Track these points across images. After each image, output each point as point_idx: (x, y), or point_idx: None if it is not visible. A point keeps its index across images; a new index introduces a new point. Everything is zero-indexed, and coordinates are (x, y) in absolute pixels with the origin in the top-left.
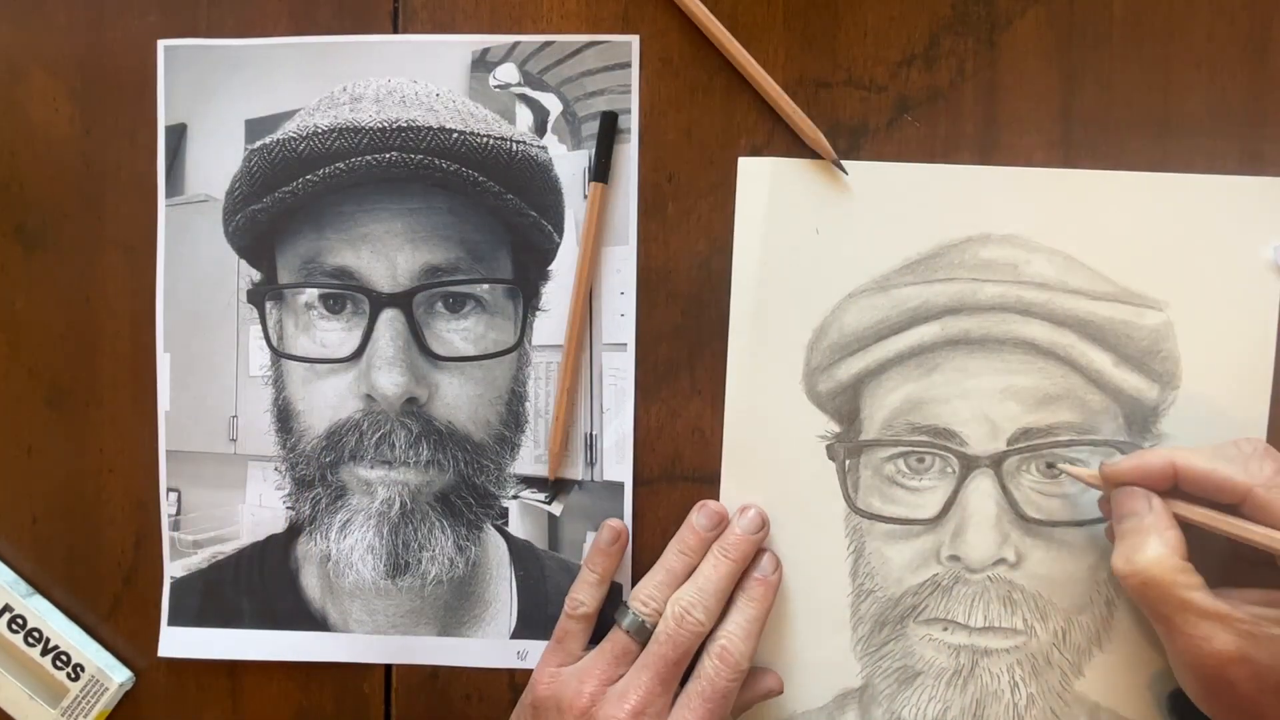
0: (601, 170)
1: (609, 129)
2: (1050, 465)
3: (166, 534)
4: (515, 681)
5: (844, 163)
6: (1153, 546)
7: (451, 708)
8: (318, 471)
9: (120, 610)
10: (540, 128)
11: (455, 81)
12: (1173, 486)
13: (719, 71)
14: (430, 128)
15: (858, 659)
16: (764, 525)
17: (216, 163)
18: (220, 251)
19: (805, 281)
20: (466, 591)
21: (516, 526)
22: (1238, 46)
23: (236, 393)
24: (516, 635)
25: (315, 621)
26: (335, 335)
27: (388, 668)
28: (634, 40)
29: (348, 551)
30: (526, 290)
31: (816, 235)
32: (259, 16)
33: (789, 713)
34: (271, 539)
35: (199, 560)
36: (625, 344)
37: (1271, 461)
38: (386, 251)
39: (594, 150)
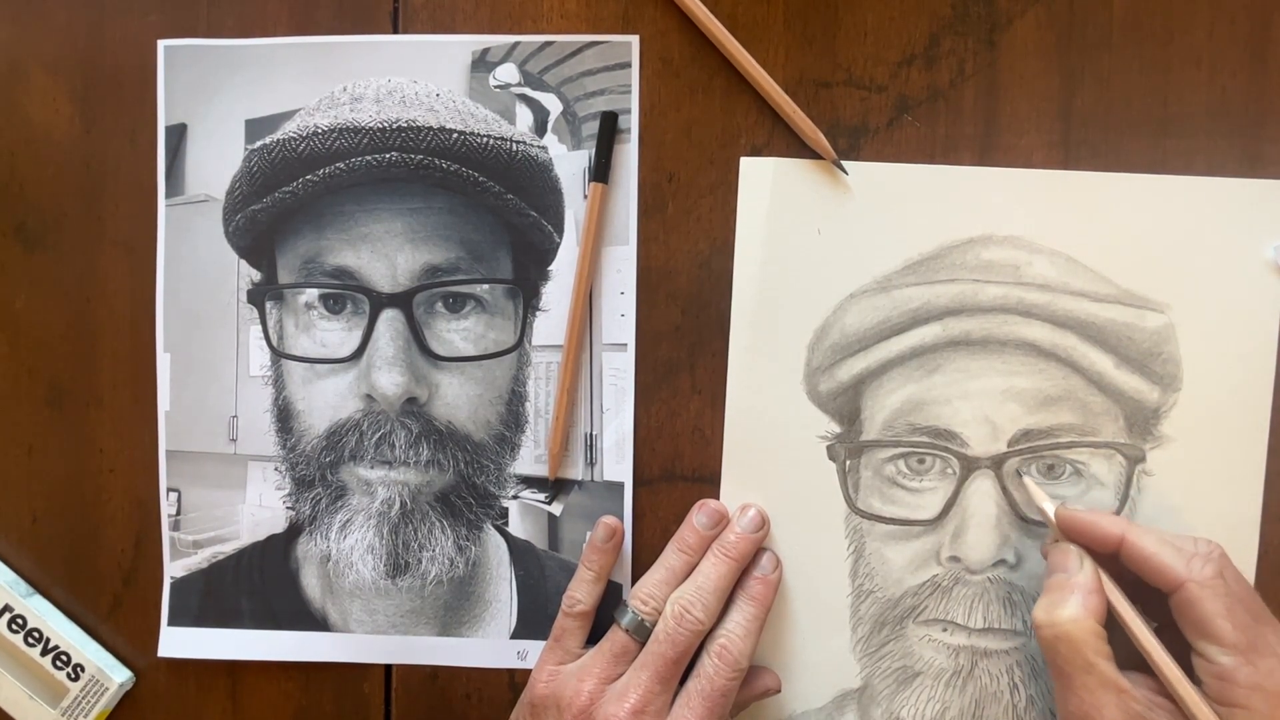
0: (601, 170)
1: (609, 129)
2: (1051, 467)
3: (166, 534)
4: (515, 681)
5: (845, 163)
6: (1075, 605)
7: (451, 708)
8: (318, 471)
9: (120, 610)
10: (540, 128)
11: (455, 81)
12: (1114, 555)
13: (719, 71)
14: (430, 128)
15: (857, 659)
16: (764, 525)
17: (216, 163)
18: (220, 251)
19: (806, 281)
20: (466, 591)
21: (516, 526)
22: (1238, 46)
23: (236, 393)
24: (516, 635)
25: (315, 621)
26: (335, 335)
27: (388, 668)
28: (634, 40)
29: (348, 551)
30: (526, 290)
31: (818, 235)
32: (259, 16)
33: (788, 713)
34: (271, 539)
35: (199, 560)
36: (625, 344)
37: (1213, 566)
38: (386, 251)
39: (594, 150)
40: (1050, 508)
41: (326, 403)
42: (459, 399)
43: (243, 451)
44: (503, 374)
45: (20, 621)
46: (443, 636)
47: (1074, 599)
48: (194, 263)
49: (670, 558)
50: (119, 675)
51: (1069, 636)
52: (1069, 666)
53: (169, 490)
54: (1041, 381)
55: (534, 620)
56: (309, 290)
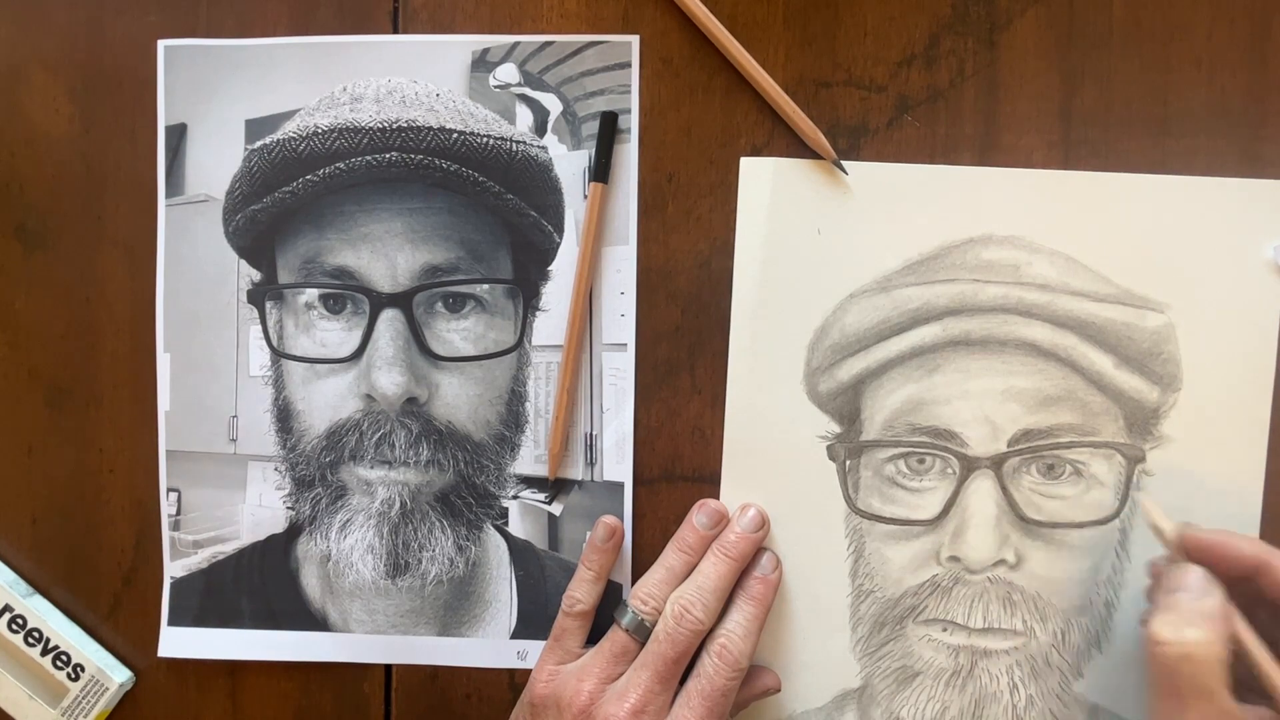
0: (601, 170)
1: (609, 129)
2: (1051, 467)
3: (166, 534)
4: (515, 681)
5: (845, 163)
6: (1205, 629)
7: (451, 708)
8: (318, 471)
9: (120, 610)
10: (540, 128)
11: (455, 81)
12: (1247, 577)
13: (719, 71)
14: (430, 128)
15: (857, 659)
16: (764, 524)
17: (216, 163)
18: (220, 251)
19: (806, 282)
20: (466, 591)
21: (516, 526)
22: (1238, 46)
23: (236, 393)
24: (516, 635)
25: (315, 621)
26: (335, 335)
27: (388, 668)
28: (634, 40)
29: (348, 551)
30: (526, 290)
31: (818, 235)
32: (259, 16)
33: (788, 712)
34: (271, 539)
35: (199, 560)
36: (625, 344)
37: None
38: (386, 251)
39: (594, 150)
40: (1170, 527)
41: (326, 403)
42: (459, 399)
43: (243, 451)
44: (503, 374)
45: (20, 621)
46: (443, 636)
47: (1203, 622)
48: (194, 263)
49: (670, 558)
50: (119, 675)
51: (1194, 659)
52: (1187, 689)
53: (169, 490)
54: (1041, 381)
55: (534, 620)
56: (309, 290)
